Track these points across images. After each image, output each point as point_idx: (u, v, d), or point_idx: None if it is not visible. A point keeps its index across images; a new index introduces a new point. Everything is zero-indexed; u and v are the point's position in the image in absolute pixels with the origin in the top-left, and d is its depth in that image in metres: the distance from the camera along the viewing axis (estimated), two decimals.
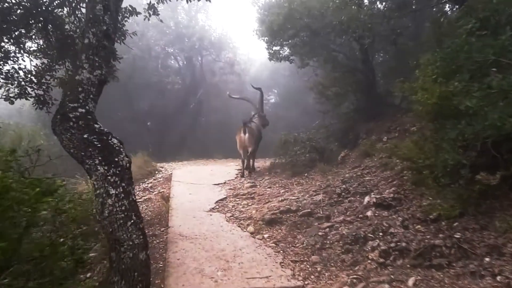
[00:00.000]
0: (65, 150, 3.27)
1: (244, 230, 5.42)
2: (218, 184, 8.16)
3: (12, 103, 5.29)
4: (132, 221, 3.13)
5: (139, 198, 7.77)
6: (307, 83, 16.66)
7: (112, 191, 3.09)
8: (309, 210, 5.67)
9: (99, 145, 3.20)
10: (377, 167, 6.52)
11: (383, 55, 10.66)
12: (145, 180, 9.32)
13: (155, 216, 6.28)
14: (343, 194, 5.87)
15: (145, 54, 15.21)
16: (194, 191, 7.44)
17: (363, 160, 7.66)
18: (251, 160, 9.66)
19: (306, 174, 8.21)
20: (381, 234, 4.35)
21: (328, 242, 4.69)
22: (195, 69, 18.92)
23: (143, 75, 15.58)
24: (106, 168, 3.13)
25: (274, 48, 9.74)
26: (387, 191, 5.17)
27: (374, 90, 9.77)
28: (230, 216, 5.99)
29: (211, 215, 6.05)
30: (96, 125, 3.29)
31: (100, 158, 3.15)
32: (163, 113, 17.24)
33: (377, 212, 4.93)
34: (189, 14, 17.51)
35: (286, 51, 9.65)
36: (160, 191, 8.13)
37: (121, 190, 3.14)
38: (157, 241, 5.13)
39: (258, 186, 7.83)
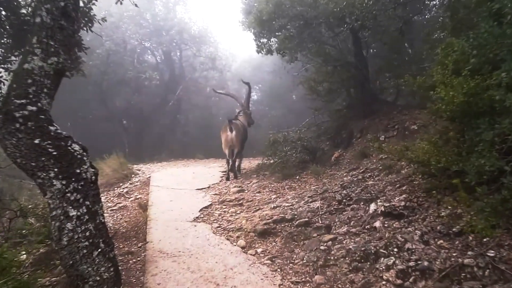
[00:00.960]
0: (10, 159, 2.53)
1: (234, 243, 4.79)
2: (202, 189, 7.51)
3: None
4: (99, 250, 2.47)
5: (113, 206, 7.08)
6: (294, 79, 16.20)
7: (73, 212, 2.43)
8: (306, 219, 5.08)
9: (55, 153, 2.51)
10: (379, 170, 5.97)
11: (378, 48, 10.13)
12: (120, 184, 8.61)
13: (131, 228, 5.58)
14: (344, 201, 5.29)
15: (120, 48, 14.32)
16: (175, 198, 6.77)
17: (361, 162, 7.13)
18: (237, 161, 9.10)
19: (297, 177, 7.64)
20: (395, 250, 3.78)
21: (332, 258, 4.11)
22: (174, 65, 18.12)
23: (118, 71, 14.72)
24: (64, 182, 2.46)
25: (262, 40, 9.07)
26: (397, 198, 4.60)
27: (367, 86, 9.26)
28: (217, 227, 5.35)
29: (195, 226, 5.39)
30: (51, 127, 2.59)
31: (56, 169, 2.47)
32: (140, 111, 16.44)
33: (386, 222, 4.36)
34: (167, 6, 16.67)
35: (275, 44, 8.98)
36: (137, 197, 7.43)
37: (85, 210, 2.48)
38: (134, 260, 4.44)
39: (246, 191, 7.20)
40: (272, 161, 8.55)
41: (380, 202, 4.76)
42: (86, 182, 2.54)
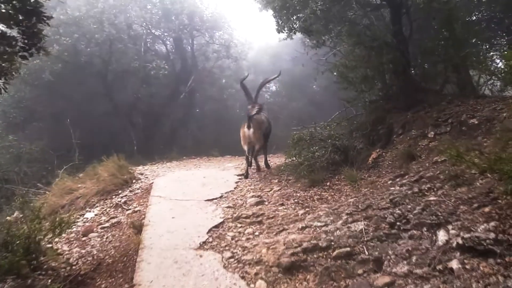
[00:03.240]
0: None
1: (252, 285, 3.63)
2: (213, 199, 6.32)
3: None
4: None
5: (106, 221, 6.00)
6: (318, 67, 14.95)
7: None
8: (348, 248, 3.88)
9: None
10: (440, 179, 4.65)
11: (422, 26, 8.69)
12: (119, 192, 7.54)
13: (120, 256, 4.47)
14: (397, 223, 4.04)
15: (124, 34, 13.22)
16: (178, 213, 5.61)
17: (409, 165, 5.83)
18: (258, 159, 8.73)
19: (328, 184, 6.43)
20: None
21: None
22: (185, 53, 16.96)
23: (122, 60, 13.67)
24: None
25: (284, 18, 7.82)
26: (482, 227, 3.31)
27: (408, 72, 7.93)
28: (230, 258, 4.17)
29: (201, 256, 4.22)
30: None
31: None
32: (149, 105, 15.38)
33: (468, 262, 3.10)
34: None
35: (298, 23, 7.72)
36: (136, 209, 6.34)
37: None
38: None
39: (266, 202, 6.00)
40: (296, 162, 7.34)
41: (453, 229, 3.50)
42: None
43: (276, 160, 10.59)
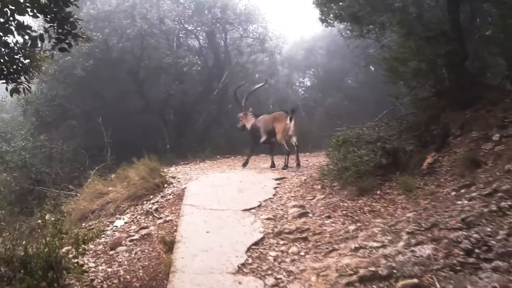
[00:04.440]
0: None
1: None
2: (251, 209, 5.78)
3: None
4: None
5: (135, 232, 5.58)
6: (358, 61, 14.28)
7: None
8: (415, 279, 3.27)
9: None
10: None
11: (481, 13, 7.82)
12: (150, 197, 7.16)
13: (148, 280, 4.01)
14: (476, 250, 3.38)
15: (155, 29, 12.82)
16: (213, 226, 5.11)
17: (475, 174, 5.09)
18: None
19: (379, 192, 5.77)
20: None
21: None
22: (218, 48, 16.45)
23: (154, 56, 13.32)
24: None
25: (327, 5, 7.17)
26: None
27: (464, 65, 7.12)
28: (273, 287, 3.62)
29: (240, 283, 3.70)
30: None
31: None
32: (181, 102, 15.00)
33: None
34: None
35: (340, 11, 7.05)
36: (167, 219, 5.90)
37: None
38: None
39: (311, 214, 5.42)
40: (339, 166, 6.70)
41: None
42: None
43: (313, 160, 9.96)
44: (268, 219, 5.37)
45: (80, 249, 4.01)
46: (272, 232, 4.87)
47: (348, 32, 9.24)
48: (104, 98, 13.58)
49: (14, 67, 3.44)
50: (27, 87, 3.72)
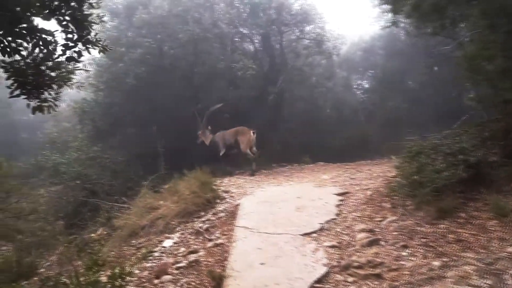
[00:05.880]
0: None
1: None
2: (311, 233, 5.07)
3: None
4: None
5: (183, 256, 5.07)
6: (425, 61, 13.30)
7: None
8: None
9: None
10: None
11: None
12: (201, 214, 6.67)
13: None
14: None
15: (209, 33, 12.42)
16: (269, 256, 4.45)
17: None
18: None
19: (463, 215, 4.84)
20: None
21: None
22: (273, 51, 15.80)
23: (207, 61, 12.93)
24: None
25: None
26: None
27: None
28: None
29: None
30: None
31: None
32: (236, 108, 14.50)
33: None
34: None
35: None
36: (218, 242, 5.33)
37: None
38: None
39: (383, 242, 4.62)
40: (410, 179, 5.80)
41: None
42: None
43: (376, 169, 8.99)
44: (332, 246, 4.63)
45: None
46: (338, 265, 4.14)
47: (417, 29, 8.31)
48: (158, 105, 13.39)
49: (39, 79, 2.97)
50: (53, 104, 3.26)
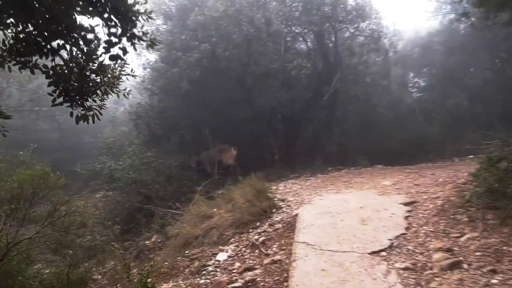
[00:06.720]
0: None
1: None
2: (380, 251, 4.53)
3: None
4: None
5: (237, 274, 4.72)
6: (489, 55, 12.31)
7: None
8: None
9: None
10: None
11: None
12: (256, 224, 6.31)
13: None
14: None
15: (263, 33, 12.04)
16: (334, 280, 3.96)
17: None
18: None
19: None
20: None
21: None
22: (327, 49, 15.14)
23: (260, 62, 12.63)
24: None
25: None
26: None
27: None
28: None
29: None
30: None
31: None
32: (290, 109, 14.03)
33: None
34: None
35: None
36: (275, 258, 4.90)
37: None
38: None
39: (465, 264, 3.99)
40: (491, 189, 5.09)
41: None
42: None
43: (441, 173, 8.16)
44: (405, 268, 4.07)
45: None
46: None
47: (486, 20, 7.53)
48: (212, 108, 13.26)
49: (83, 85, 2.68)
50: (98, 112, 2.97)
